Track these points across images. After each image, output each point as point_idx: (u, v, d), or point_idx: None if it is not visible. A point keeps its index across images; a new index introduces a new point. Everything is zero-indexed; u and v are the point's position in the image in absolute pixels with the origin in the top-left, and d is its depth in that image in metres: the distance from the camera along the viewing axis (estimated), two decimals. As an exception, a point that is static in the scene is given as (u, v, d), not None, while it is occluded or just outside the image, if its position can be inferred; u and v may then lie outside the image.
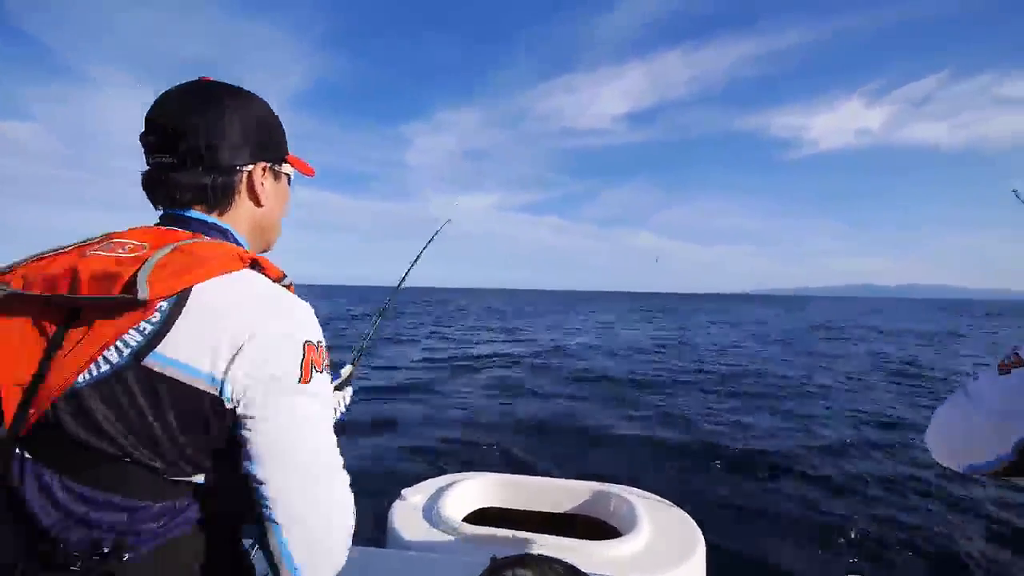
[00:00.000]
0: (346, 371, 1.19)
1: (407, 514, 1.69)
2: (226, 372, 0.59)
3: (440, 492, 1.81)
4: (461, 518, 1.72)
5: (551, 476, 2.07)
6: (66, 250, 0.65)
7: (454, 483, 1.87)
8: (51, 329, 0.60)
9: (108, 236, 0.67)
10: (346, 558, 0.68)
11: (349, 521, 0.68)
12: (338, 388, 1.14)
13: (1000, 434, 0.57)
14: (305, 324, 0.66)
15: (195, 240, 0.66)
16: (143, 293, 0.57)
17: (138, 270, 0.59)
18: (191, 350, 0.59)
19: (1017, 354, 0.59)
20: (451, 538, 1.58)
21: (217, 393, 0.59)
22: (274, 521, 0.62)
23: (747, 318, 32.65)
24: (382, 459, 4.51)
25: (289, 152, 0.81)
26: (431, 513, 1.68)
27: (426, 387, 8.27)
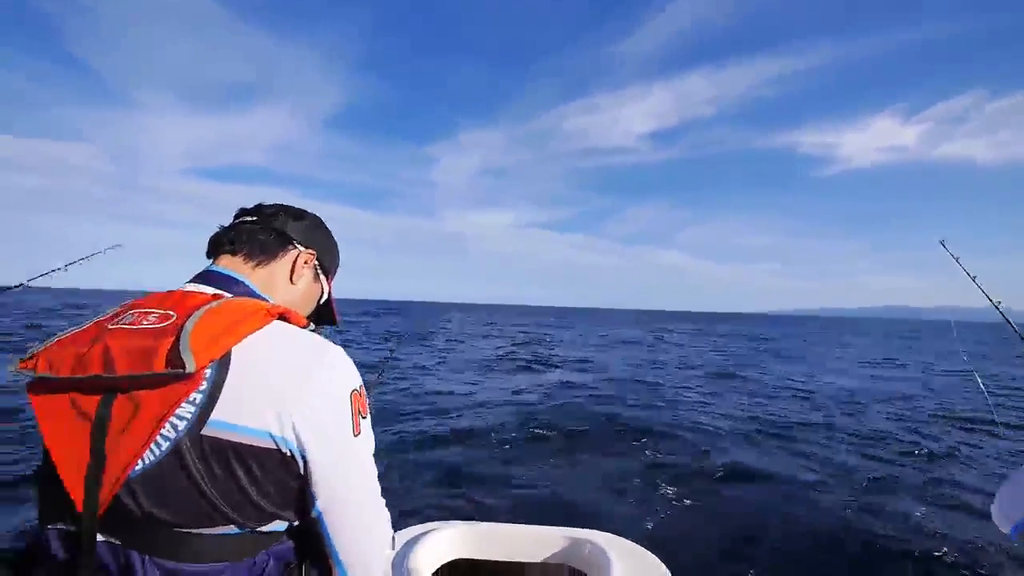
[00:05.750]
0: None
1: None
2: (283, 428, 0.61)
3: (410, 545, 1.75)
4: (431, 573, 1.69)
5: (524, 521, 2.03)
6: (85, 328, 0.65)
7: (425, 535, 1.81)
8: (90, 409, 0.59)
9: (128, 307, 0.68)
10: None
11: (389, 552, 0.75)
12: None
13: None
14: (346, 372, 0.69)
15: (221, 301, 0.66)
16: (190, 366, 0.57)
17: (177, 340, 0.58)
18: (244, 412, 0.60)
19: None
20: None
21: (280, 448, 0.61)
22: (340, 562, 0.69)
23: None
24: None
25: (332, 279, 0.93)
26: (402, 568, 1.63)
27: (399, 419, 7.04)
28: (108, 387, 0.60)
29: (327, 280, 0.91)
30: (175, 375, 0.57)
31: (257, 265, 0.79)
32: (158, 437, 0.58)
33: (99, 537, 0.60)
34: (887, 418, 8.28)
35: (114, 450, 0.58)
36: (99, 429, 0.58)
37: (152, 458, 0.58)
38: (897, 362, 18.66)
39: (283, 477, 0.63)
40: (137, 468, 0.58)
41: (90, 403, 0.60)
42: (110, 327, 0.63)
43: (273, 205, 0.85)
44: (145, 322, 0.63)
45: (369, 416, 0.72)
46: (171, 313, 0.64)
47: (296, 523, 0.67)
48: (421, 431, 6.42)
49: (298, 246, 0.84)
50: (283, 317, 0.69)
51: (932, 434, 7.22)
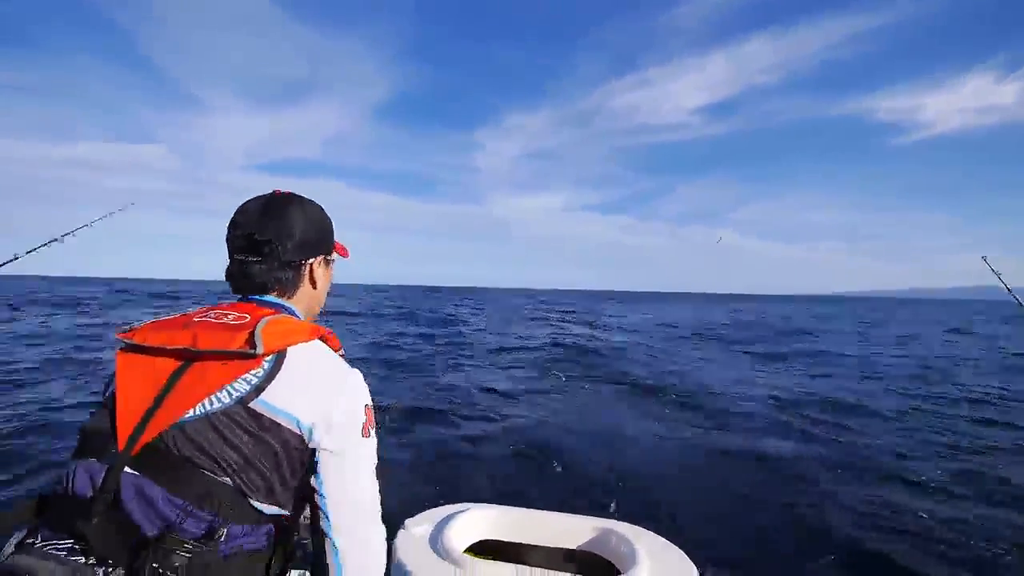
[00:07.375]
0: None
1: (410, 545, 1.74)
2: (314, 422, 0.76)
3: (443, 523, 1.85)
4: (463, 550, 1.77)
5: (552, 508, 2.07)
6: (174, 317, 0.84)
7: (457, 514, 1.90)
8: (166, 372, 0.76)
9: (209, 308, 0.86)
10: None
11: (383, 562, 0.87)
12: None
13: None
14: (364, 391, 0.85)
15: (280, 316, 0.84)
16: (260, 348, 0.74)
17: (253, 331, 0.76)
18: (286, 399, 0.75)
19: None
20: (455, 569, 1.63)
21: (303, 435, 0.76)
22: (336, 548, 0.80)
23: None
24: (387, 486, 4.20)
25: (335, 241, 1.03)
26: (435, 544, 1.72)
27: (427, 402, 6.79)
28: (188, 358, 0.76)
29: (334, 252, 1.02)
30: (246, 354, 0.74)
31: (289, 297, 0.94)
32: (213, 398, 0.73)
33: (127, 469, 0.70)
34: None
35: (172, 399, 0.73)
36: (168, 385, 0.74)
37: (202, 411, 0.72)
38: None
39: (297, 463, 0.77)
40: (187, 416, 0.72)
41: (168, 367, 0.76)
42: (196, 319, 0.81)
43: (265, 235, 0.88)
44: (226, 318, 0.81)
45: (374, 433, 0.85)
46: (246, 315, 0.82)
47: (288, 515, 0.79)
48: (454, 413, 6.48)
49: (307, 261, 0.94)
50: (323, 339, 0.86)
51: None
